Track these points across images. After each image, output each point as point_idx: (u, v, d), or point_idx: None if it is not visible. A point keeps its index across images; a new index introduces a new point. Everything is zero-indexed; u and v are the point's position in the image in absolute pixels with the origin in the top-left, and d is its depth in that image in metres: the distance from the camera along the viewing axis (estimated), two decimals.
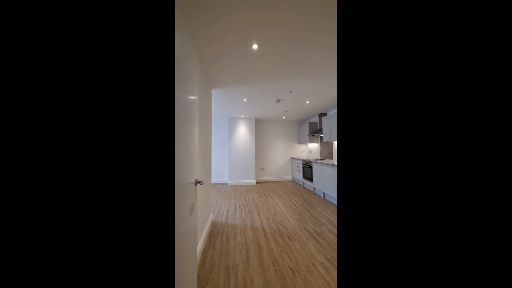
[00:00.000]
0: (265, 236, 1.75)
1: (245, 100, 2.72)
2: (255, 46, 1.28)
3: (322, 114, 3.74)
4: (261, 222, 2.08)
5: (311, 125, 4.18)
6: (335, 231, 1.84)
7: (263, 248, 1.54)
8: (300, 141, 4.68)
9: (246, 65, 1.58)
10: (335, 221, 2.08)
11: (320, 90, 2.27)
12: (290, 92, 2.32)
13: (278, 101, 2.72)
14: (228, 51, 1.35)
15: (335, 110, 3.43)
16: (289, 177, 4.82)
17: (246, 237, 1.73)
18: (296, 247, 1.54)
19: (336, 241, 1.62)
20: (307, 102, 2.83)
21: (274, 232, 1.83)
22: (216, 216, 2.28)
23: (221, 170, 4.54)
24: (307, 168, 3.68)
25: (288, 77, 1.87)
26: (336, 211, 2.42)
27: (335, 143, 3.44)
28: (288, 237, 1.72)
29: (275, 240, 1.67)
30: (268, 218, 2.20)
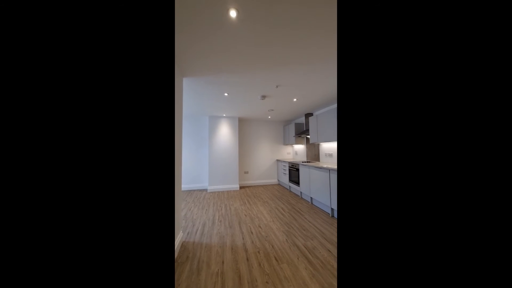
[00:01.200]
0: (248, 259, 1.41)
1: (226, 94, 2.37)
2: (233, 14, 0.96)
3: (308, 115, 3.59)
4: (243, 238, 1.74)
5: (298, 125, 4.01)
6: (328, 245, 1.60)
7: (244, 278, 1.20)
8: (286, 142, 4.49)
9: (224, 41, 1.25)
10: (327, 232, 1.85)
11: (309, 86, 2.05)
12: (277, 87, 2.05)
13: (263, 97, 2.43)
14: (200, 18, 1.00)
15: (322, 110, 3.30)
16: (274, 181, 4.58)
17: (223, 262, 1.37)
18: (286, 274, 1.24)
19: (331, 260, 1.37)
20: (295, 100, 2.61)
21: (259, 252, 1.51)
22: (188, 233, 1.86)
23: (199, 175, 4.06)
24: (294, 171, 3.47)
25: (274, 65, 1.59)
26: (327, 220, 2.21)
27: (322, 145, 3.30)
28: (276, 259, 1.41)
29: (260, 264, 1.35)
30: (252, 232, 1.87)
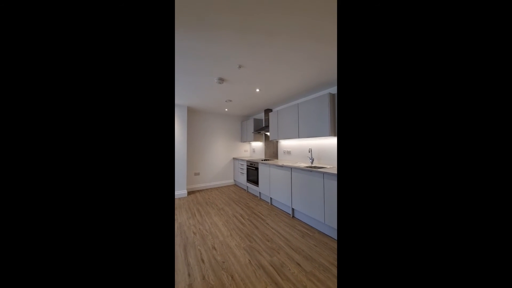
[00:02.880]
0: None
1: None
2: None
3: (268, 110, 3.41)
4: (189, 275, 1.21)
5: (256, 121, 3.78)
6: (296, 256, 1.40)
7: None
8: (244, 139, 4.17)
9: None
10: (292, 239, 1.67)
11: (274, 76, 1.79)
12: (240, 67, 1.63)
13: (221, 80, 1.93)
14: None
15: (283, 106, 3.20)
16: (230, 181, 4.15)
17: None
18: None
19: (302, 279, 1.15)
20: (257, 90, 2.29)
21: None
22: None
23: None
24: (252, 170, 3.20)
25: (238, 33, 1.16)
26: (288, 222, 2.06)
27: (281, 142, 3.22)
28: None
29: None
30: (203, 260, 1.37)
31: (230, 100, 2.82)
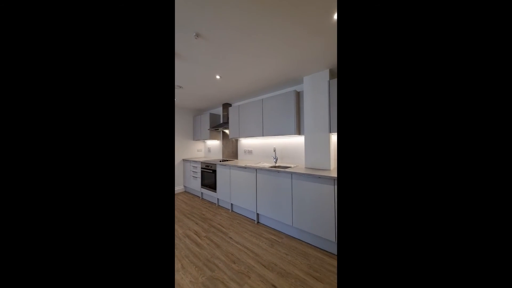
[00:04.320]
0: None
1: None
2: None
3: (227, 105, 3.04)
4: None
5: (213, 116, 3.30)
6: (269, 275, 1.18)
7: None
8: (197, 137, 3.55)
9: None
10: (260, 251, 1.44)
11: (236, 62, 1.49)
12: (197, 37, 1.19)
13: None
14: None
15: (245, 101, 2.93)
16: (179, 188, 3.41)
17: None
18: None
19: None
20: (218, 77, 1.89)
21: None
22: None
23: None
24: (208, 173, 2.73)
25: None
26: (254, 230, 1.82)
27: (242, 140, 2.95)
28: None
29: None
30: None
31: (180, 87, 2.22)
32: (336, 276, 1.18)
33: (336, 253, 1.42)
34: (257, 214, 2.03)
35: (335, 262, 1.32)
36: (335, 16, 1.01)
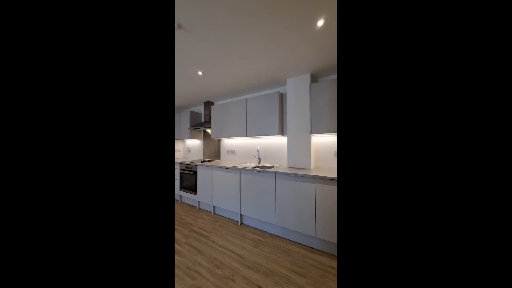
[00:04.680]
0: None
1: None
2: None
3: (209, 103, 2.92)
4: None
5: (194, 115, 3.13)
6: (254, 276, 1.17)
7: None
8: (176, 136, 3.31)
9: None
10: (245, 253, 1.42)
11: (219, 58, 1.44)
12: (179, 28, 1.10)
13: None
14: None
15: (228, 100, 2.86)
16: None
17: None
18: None
19: None
20: (200, 73, 1.79)
21: None
22: None
23: None
24: (188, 175, 2.58)
25: None
26: (237, 231, 1.78)
27: (224, 140, 2.88)
28: None
29: None
30: None
31: None
32: (318, 270, 1.24)
33: (316, 248, 1.50)
34: (241, 215, 2.00)
35: (316, 257, 1.39)
36: (319, 23, 1.06)
